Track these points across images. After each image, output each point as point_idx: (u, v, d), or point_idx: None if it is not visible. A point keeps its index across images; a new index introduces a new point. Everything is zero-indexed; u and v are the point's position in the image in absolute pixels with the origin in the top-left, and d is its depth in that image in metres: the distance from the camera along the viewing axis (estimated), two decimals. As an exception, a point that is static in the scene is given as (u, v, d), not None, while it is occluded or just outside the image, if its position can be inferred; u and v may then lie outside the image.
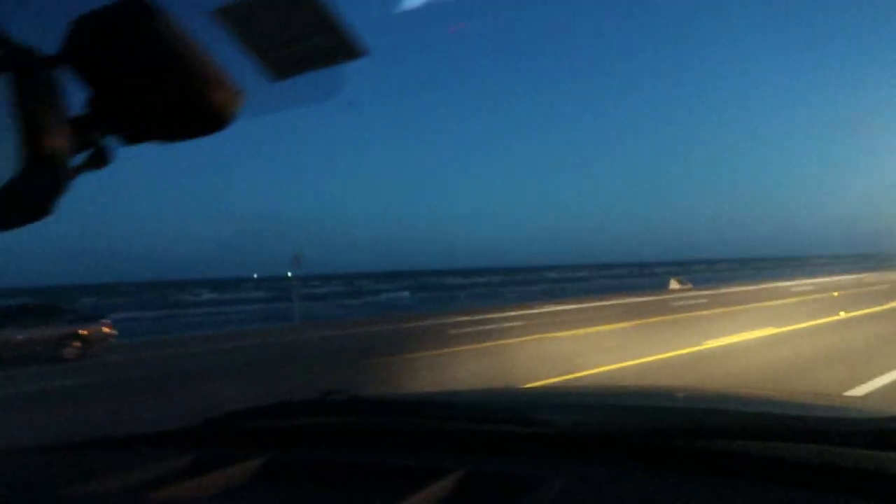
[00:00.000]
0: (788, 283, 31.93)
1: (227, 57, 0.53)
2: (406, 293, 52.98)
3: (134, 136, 0.52)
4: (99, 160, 0.51)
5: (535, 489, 0.96)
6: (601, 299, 26.54)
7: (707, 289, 30.83)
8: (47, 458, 1.42)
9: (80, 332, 14.62)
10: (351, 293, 54.98)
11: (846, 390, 6.71)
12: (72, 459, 1.40)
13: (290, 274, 23.74)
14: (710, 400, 1.67)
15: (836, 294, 23.65)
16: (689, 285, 33.18)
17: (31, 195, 0.47)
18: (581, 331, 15.04)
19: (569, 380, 8.33)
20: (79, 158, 0.51)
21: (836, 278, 36.22)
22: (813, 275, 42.13)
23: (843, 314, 15.65)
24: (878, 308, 17.09)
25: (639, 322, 16.55)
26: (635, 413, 1.43)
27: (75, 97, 0.50)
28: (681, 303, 22.44)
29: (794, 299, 21.96)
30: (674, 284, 33.48)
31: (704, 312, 18.34)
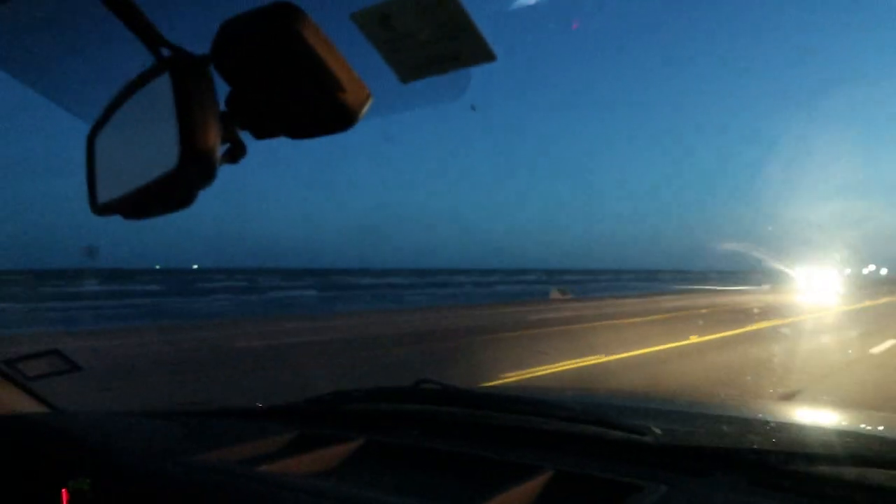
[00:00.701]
0: (665, 298, 31.31)
1: (359, 58, 0.55)
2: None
3: (265, 132, 0.54)
4: (236, 154, 0.54)
5: (630, 496, 0.94)
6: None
7: (590, 300, 29.42)
8: (161, 425, 1.54)
9: None
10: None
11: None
12: (183, 428, 1.50)
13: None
14: (789, 414, 1.68)
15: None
16: (570, 295, 32.14)
17: (182, 186, 0.51)
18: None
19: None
20: (220, 152, 0.53)
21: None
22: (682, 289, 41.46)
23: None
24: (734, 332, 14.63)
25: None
26: (729, 424, 1.37)
27: (219, 95, 0.53)
28: (565, 313, 20.06)
29: (668, 315, 20.67)
30: (555, 294, 32.30)
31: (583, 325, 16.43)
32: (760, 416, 1.59)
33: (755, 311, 19.59)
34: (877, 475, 0.89)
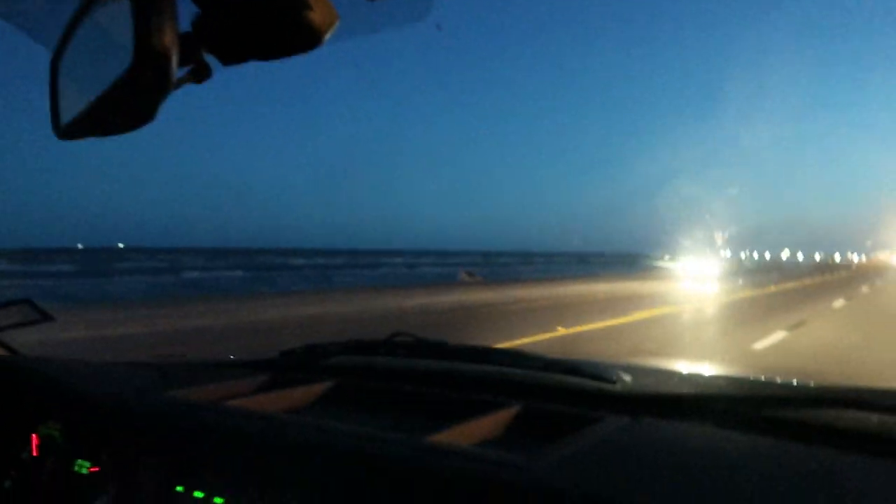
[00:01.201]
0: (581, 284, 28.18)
1: None
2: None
3: (232, 56, 0.55)
4: (199, 75, 0.54)
5: (591, 424, 0.97)
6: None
7: (502, 284, 27.51)
8: (130, 370, 1.55)
9: None
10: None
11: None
12: (154, 372, 1.48)
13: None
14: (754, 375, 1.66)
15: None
16: (480, 278, 30.81)
17: (139, 92, 0.50)
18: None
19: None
20: (181, 72, 0.53)
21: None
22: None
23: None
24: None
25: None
26: (698, 377, 1.50)
27: (182, 15, 0.52)
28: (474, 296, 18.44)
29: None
30: (463, 276, 30.85)
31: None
32: (728, 371, 1.70)
33: (638, 298, 18.36)
34: (830, 415, 0.96)
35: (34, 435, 1.30)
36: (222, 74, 0.57)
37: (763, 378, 1.42)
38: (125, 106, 0.52)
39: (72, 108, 0.58)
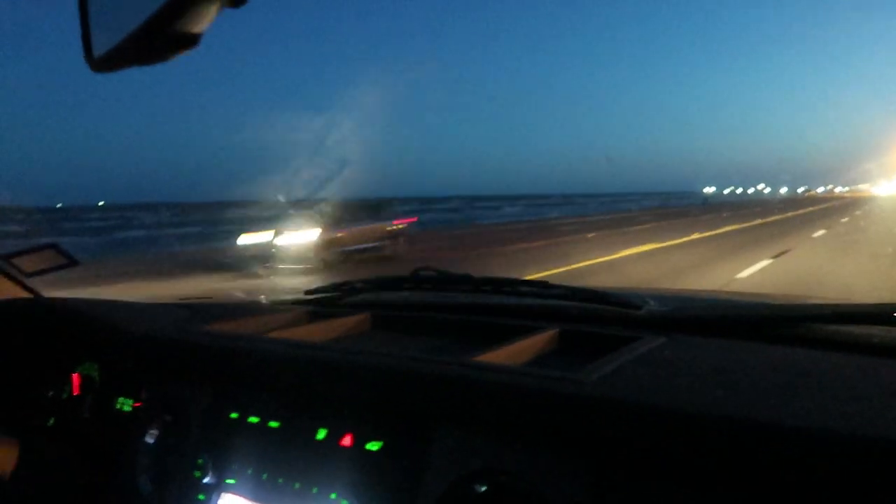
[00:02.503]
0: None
1: None
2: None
3: None
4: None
5: (630, 343, 0.99)
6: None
7: None
8: (165, 307, 1.54)
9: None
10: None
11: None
12: (188, 310, 1.47)
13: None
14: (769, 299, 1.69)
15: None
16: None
17: (185, 19, 0.49)
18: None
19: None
20: None
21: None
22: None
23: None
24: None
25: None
26: (721, 302, 1.59)
27: None
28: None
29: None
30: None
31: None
32: (747, 299, 1.72)
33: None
34: (853, 330, 1.00)
35: (75, 374, 1.33)
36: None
37: (775, 302, 1.49)
38: (171, 31, 0.50)
39: (107, 38, 0.56)
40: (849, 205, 49.11)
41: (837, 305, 1.13)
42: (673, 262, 12.41)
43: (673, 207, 55.72)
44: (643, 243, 15.69)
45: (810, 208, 43.83)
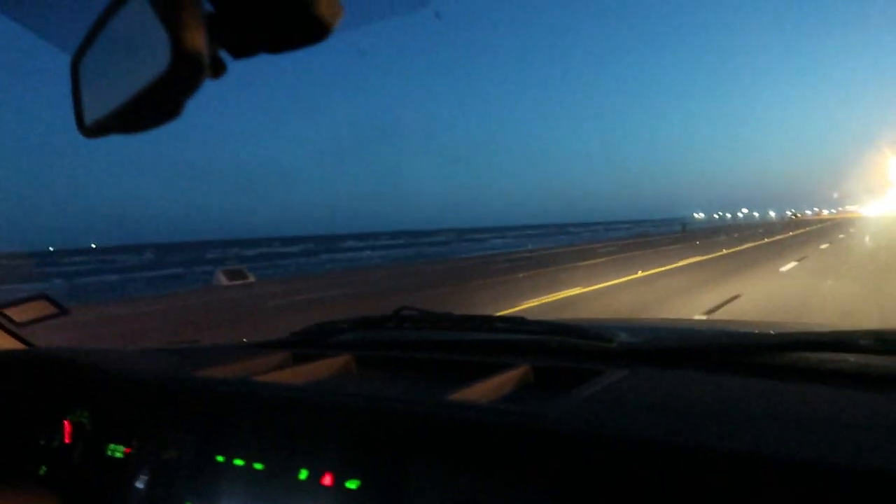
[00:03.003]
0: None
1: None
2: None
3: (243, 50, 0.56)
4: (217, 70, 0.55)
5: (594, 377, 1.03)
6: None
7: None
8: (153, 354, 1.55)
9: None
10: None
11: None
12: (175, 356, 1.50)
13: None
14: (737, 326, 1.82)
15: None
16: (251, 278, 22.25)
17: (172, 91, 0.52)
18: None
19: None
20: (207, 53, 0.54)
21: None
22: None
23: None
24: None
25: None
26: (690, 333, 1.61)
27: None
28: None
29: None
30: (223, 279, 21.55)
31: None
32: (718, 327, 1.87)
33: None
34: (812, 358, 1.01)
35: (66, 422, 1.35)
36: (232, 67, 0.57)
37: (742, 329, 1.59)
38: (157, 103, 0.54)
39: (97, 107, 0.59)
40: (832, 227, 47.70)
41: (799, 333, 1.14)
42: (586, 314, 10.22)
43: (650, 236, 53.08)
44: (572, 286, 13.09)
45: (791, 232, 41.98)
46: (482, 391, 1.03)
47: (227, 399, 1.15)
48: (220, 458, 1.06)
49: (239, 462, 1.04)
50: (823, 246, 21.47)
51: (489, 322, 1.40)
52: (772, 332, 1.29)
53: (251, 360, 1.36)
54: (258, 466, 1.02)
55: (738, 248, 24.59)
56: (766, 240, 31.24)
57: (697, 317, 8.73)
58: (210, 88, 0.54)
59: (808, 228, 45.83)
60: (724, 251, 23.05)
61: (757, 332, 1.37)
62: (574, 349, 1.21)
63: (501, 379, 1.09)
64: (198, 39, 0.49)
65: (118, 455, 1.23)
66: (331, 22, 0.53)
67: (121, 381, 1.32)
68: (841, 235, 26.75)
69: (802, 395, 0.90)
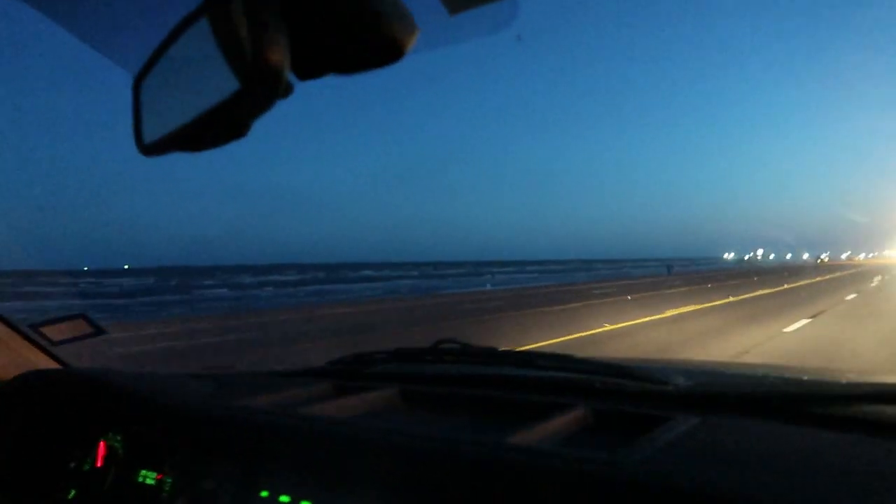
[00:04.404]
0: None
1: None
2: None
3: (311, 70, 0.53)
4: (285, 93, 0.53)
5: (662, 424, 0.96)
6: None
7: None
8: (192, 380, 1.48)
9: None
10: None
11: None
12: (214, 382, 1.45)
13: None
14: (800, 372, 1.65)
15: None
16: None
17: (244, 109, 0.50)
18: None
19: None
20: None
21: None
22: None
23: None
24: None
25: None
26: (745, 377, 1.54)
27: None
28: None
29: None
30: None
31: None
32: (768, 371, 1.66)
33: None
34: (890, 411, 0.95)
35: (101, 443, 1.31)
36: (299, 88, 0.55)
37: (810, 375, 1.51)
38: (224, 123, 0.52)
39: (158, 126, 0.58)
40: (861, 274, 42.64)
41: (877, 384, 1.10)
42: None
43: (633, 277, 48.18)
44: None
45: (806, 280, 35.04)
46: (542, 434, 0.98)
47: (270, 430, 1.09)
48: (264, 494, 1.01)
49: (285, 498, 0.99)
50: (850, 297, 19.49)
51: (533, 358, 1.34)
52: (841, 381, 1.28)
53: (291, 390, 1.32)
54: (306, 503, 0.97)
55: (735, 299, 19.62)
56: (785, 285, 28.12)
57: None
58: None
59: (819, 277, 38.55)
60: (693, 307, 16.82)
61: (824, 380, 1.35)
62: (630, 391, 1.15)
63: (561, 421, 1.04)
64: (279, 58, 0.47)
65: (149, 482, 1.19)
66: (405, 43, 0.51)
67: (155, 406, 1.27)
68: (848, 297, 19.67)
69: (878, 451, 0.86)
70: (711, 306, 17.32)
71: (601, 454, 0.84)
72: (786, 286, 27.95)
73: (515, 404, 1.16)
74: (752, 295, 21.91)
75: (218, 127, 0.52)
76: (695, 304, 17.90)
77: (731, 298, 19.95)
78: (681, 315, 14.77)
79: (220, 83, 0.49)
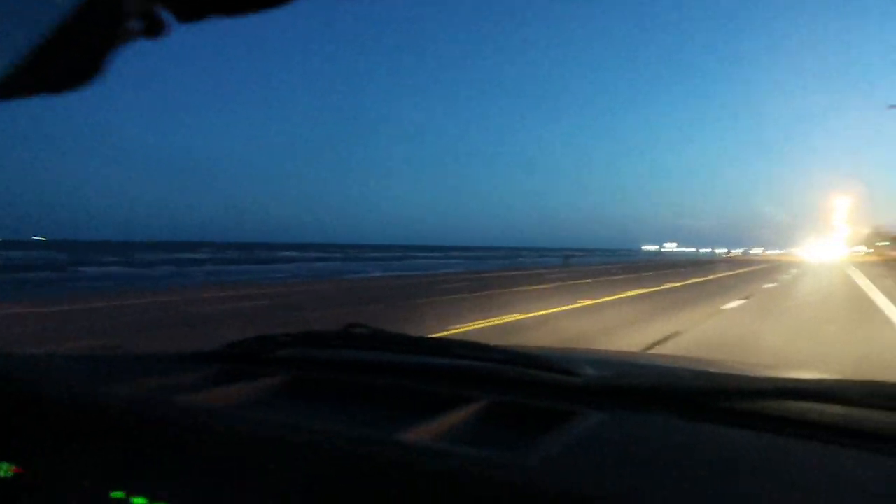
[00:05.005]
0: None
1: None
2: None
3: (189, 11, 0.49)
4: (152, 30, 0.49)
5: (568, 419, 0.95)
6: None
7: None
8: (68, 364, 1.43)
9: None
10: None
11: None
12: (88, 365, 1.39)
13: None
14: (717, 367, 1.69)
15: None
16: None
17: (83, 45, 0.47)
18: None
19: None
20: (135, 24, 0.49)
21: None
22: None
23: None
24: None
25: None
26: (654, 369, 1.53)
27: None
28: None
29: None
30: None
31: None
32: (680, 364, 1.73)
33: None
34: (795, 407, 0.97)
35: None
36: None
37: (719, 370, 1.52)
38: (69, 58, 0.48)
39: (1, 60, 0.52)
40: (764, 271, 39.63)
41: (780, 380, 1.11)
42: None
43: (525, 268, 43.33)
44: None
45: (697, 278, 28.62)
46: (440, 429, 0.95)
47: (135, 420, 1.01)
48: (118, 495, 0.91)
49: (140, 501, 0.90)
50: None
51: (446, 346, 1.31)
52: (751, 375, 1.31)
53: (175, 375, 1.23)
54: None
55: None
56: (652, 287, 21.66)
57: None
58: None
59: (749, 268, 38.01)
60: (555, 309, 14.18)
61: (733, 374, 1.38)
62: (538, 382, 1.13)
63: (461, 415, 1.00)
64: None
65: (6, 474, 1.06)
66: None
67: (16, 391, 1.15)
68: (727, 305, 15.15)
69: (788, 449, 0.87)
70: (547, 314, 12.56)
71: (500, 453, 0.81)
72: (650, 288, 21.22)
73: (417, 395, 1.13)
74: (596, 302, 15.56)
75: (66, 62, 0.47)
76: (543, 309, 13.32)
77: (583, 303, 14.98)
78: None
79: (60, 6, 0.44)
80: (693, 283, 24.85)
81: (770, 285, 24.05)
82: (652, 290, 20.81)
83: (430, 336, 1.37)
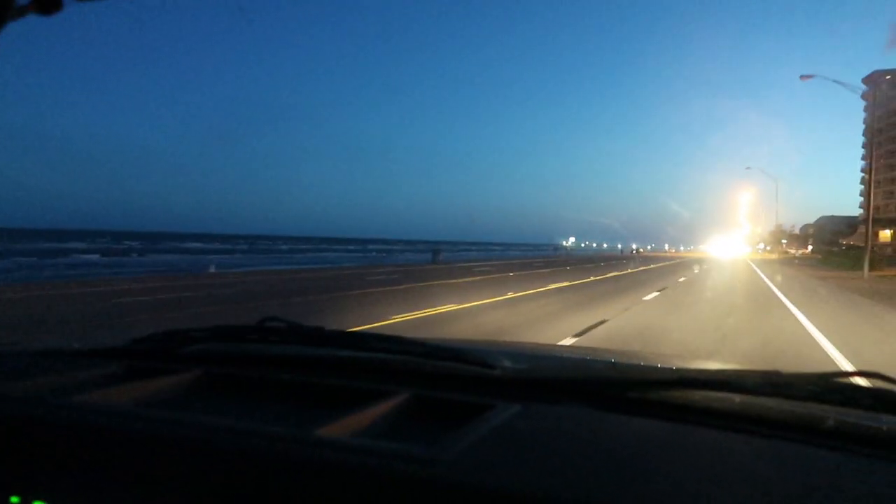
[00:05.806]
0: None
1: None
2: None
3: None
4: (44, 6, 0.48)
5: (484, 412, 0.96)
6: None
7: None
8: None
9: None
10: None
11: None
12: (4, 361, 1.32)
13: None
14: (642, 359, 1.76)
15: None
16: None
17: None
18: None
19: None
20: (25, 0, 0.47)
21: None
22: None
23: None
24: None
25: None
26: (570, 362, 1.61)
27: None
28: None
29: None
30: None
31: None
32: (595, 356, 1.82)
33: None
34: (699, 396, 1.02)
35: None
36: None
37: (632, 361, 1.61)
38: None
39: None
40: (670, 269, 40.66)
41: (683, 370, 1.13)
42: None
43: (400, 265, 39.45)
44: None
45: (596, 276, 28.31)
46: (357, 424, 0.94)
47: (34, 422, 0.95)
48: (14, 500, 0.87)
49: None
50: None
51: (364, 340, 1.30)
52: (659, 366, 1.37)
53: (77, 372, 1.17)
54: None
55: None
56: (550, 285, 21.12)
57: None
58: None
59: (606, 274, 30.31)
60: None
61: (642, 365, 1.46)
62: (455, 375, 1.15)
63: (378, 410, 0.99)
64: None
65: None
66: None
67: None
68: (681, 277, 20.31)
69: (689, 436, 0.90)
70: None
71: (416, 448, 0.81)
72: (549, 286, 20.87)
73: (333, 389, 1.11)
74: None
75: None
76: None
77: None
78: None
79: None
80: (586, 282, 24.30)
81: (682, 279, 27.01)
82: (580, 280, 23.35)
83: (348, 330, 1.37)
